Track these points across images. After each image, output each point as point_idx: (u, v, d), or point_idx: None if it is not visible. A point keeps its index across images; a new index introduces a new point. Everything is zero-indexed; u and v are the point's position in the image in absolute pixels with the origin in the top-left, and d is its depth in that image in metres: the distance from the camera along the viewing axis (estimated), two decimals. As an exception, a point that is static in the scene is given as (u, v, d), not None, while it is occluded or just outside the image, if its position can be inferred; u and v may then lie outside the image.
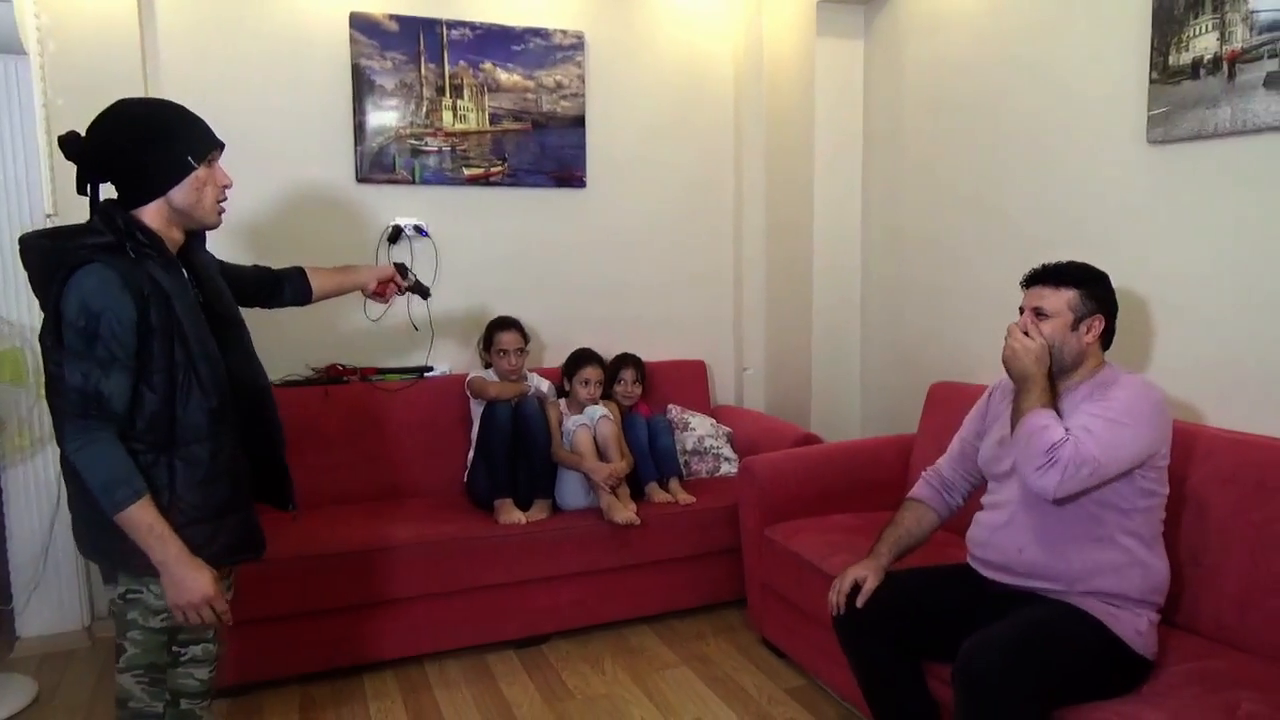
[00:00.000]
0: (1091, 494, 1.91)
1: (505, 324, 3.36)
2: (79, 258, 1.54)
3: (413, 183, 3.50)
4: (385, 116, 3.43)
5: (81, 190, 1.67)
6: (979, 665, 1.78)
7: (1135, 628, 1.88)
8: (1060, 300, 2.01)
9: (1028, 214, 2.86)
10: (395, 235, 3.46)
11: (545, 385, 3.42)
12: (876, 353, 3.69)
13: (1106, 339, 2.06)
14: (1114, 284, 2.53)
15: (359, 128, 3.40)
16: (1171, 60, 2.33)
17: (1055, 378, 2.03)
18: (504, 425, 3.11)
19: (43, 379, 1.57)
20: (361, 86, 3.38)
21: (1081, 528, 1.93)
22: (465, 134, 3.56)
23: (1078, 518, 1.93)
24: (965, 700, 1.79)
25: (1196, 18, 2.26)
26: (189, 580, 1.61)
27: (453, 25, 3.49)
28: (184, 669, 1.76)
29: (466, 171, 3.57)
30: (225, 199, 1.78)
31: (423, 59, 3.46)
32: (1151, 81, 2.39)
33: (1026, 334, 2.01)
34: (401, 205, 3.50)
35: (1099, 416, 1.88)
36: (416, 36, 3.44)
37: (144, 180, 1.66)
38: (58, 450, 1.60)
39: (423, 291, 2.68)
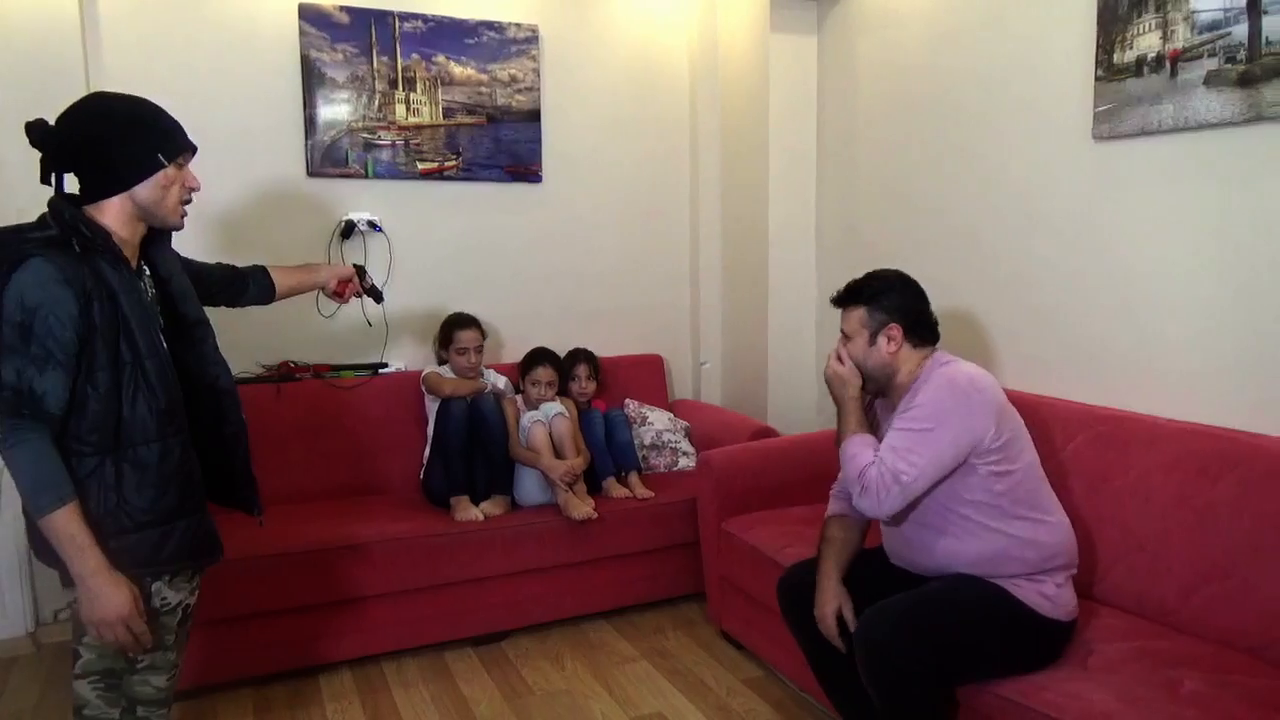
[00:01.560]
0: (938, 496, 1.95)
1: (464, 321, 3.33)
2: (21, 253, 1.50)
3: (365, 177, 3.46)
4: (337, 110, 3.38)
5: (45, 180, 1.64)
6: (876, 634, 1.83)
7: (1040, 593, 1.92)
8: (854, 320, 2.09)
9: (977, 209, 2.91)
10: (348, 230, 3.42)
11: (502, 381, 3.40)
12: (831, 346, 3.70)
13: (921, 337, 2.06)
14: (1062, 278, 2.59)
15: (310, 121, 3.34)
16: (1116, 58, 2.38)
17: (883, 392, 2.11)
18: (460, 422, 3.09)
19: None
20: (312, 79, 3.33)
21: (949, 528, 1.97)
22: (419, 128, 3.52)
23: (940, 520, 1.98)
24: (865, 668, 1.85)
25: (1140, 17, 2.31)
26: (104, 596, 1.53)
27: (405, 17, 3.45)
28: (140, 676, 1.70)
29: (420, 166, 3.54)
30: (190, 201, 1.75)
31: (374, 51, 3.41)
32: (1097, 79, 2.44)
33: (841, 359, 2.08)
34: (354, 200, 3.45)
35: (902, 429, 1.93)
36: (368, 28, 3.40)
37: (110, 172, 1.62)
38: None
39: (377, 296, 2.66)
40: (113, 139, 1.62)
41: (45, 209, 1.61)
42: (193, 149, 1.75)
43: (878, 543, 2.32)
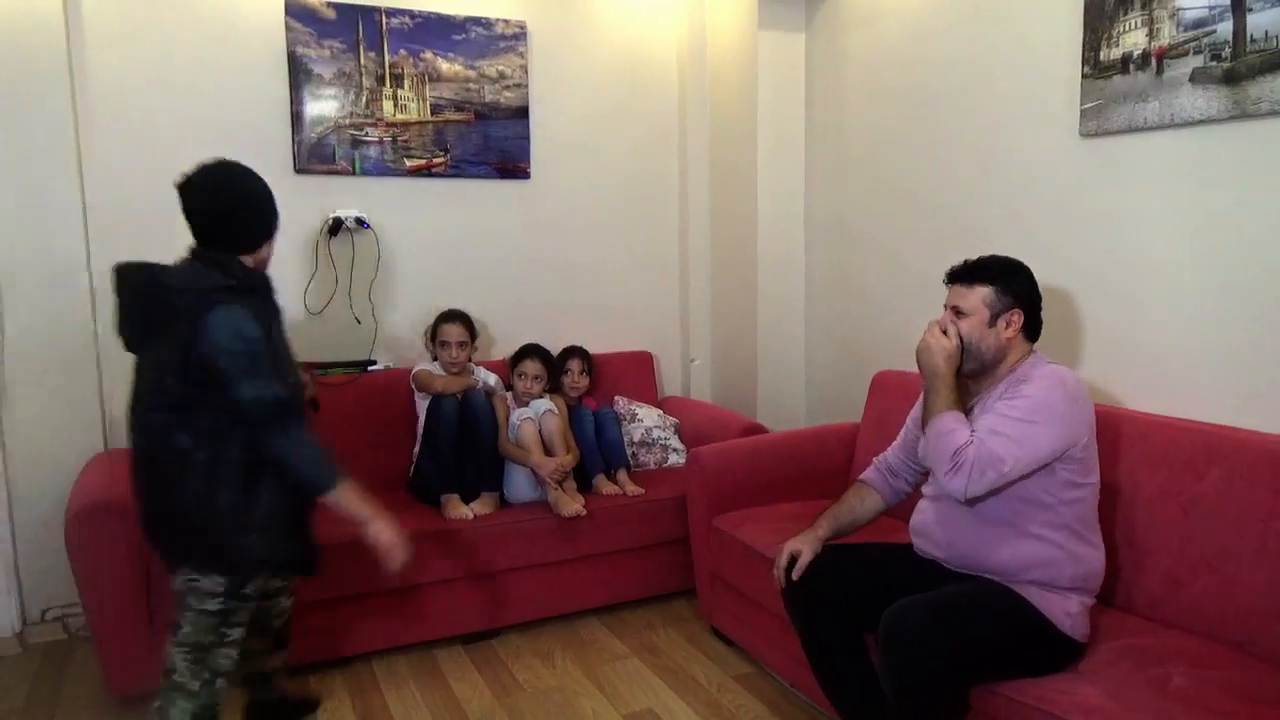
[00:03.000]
0: (1013, 491, 1.94)
1: (449, 317, 3.33)
2: (213, 299, 1.83)
3: (353, 174, 3.44)
4: (324, 106, 3.36)
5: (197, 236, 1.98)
6: (902, 630, 1.83)
7: (1065, 609, 1.92)
8: (975, 297, 2.03)
9: (965, 205, 2.92)
10: (336, 227, 3.40)
11: (493, 379, 3.40)
12: (821, 342, 3.74)
13: (1033, 331, 2.07)
14: (1049, 274, 2.60)
15: (296, 117, 3.33)
16: (1103, 55, 2.39)
17: (979, 374, 2.07)
18: (450, 419, 3.08)
19: None
20: (298, 75, 3.31)
21: (1008, 523, 1.97)
22: (406, 124, 3.50)
23: (1004, 514, 1.97)
24: (888, 663, 1.85)
25: (1126, 14, 2.33)
26: (393, 529, 2.04)
27: (392, 13, 3.43)
28: (224, 650, 1.95)
29: (408, 162, 3.52)
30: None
31: (362, 47, 3.40)
32: (1084, 76, 2.45)
33: (945, 332, 2.04)
34: (342, 197, 3.44)
35: (1007, 416, 1.90)
36: (355, 24, 3.38)
37: (249, 237, 2.01)
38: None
39: (314, 405, 2.45)
40: (261, 211, 2.03)
41: (194, 257, 1.95)
42: None
43: (889, 538, 2.33)
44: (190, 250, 1.97)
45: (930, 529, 2.13)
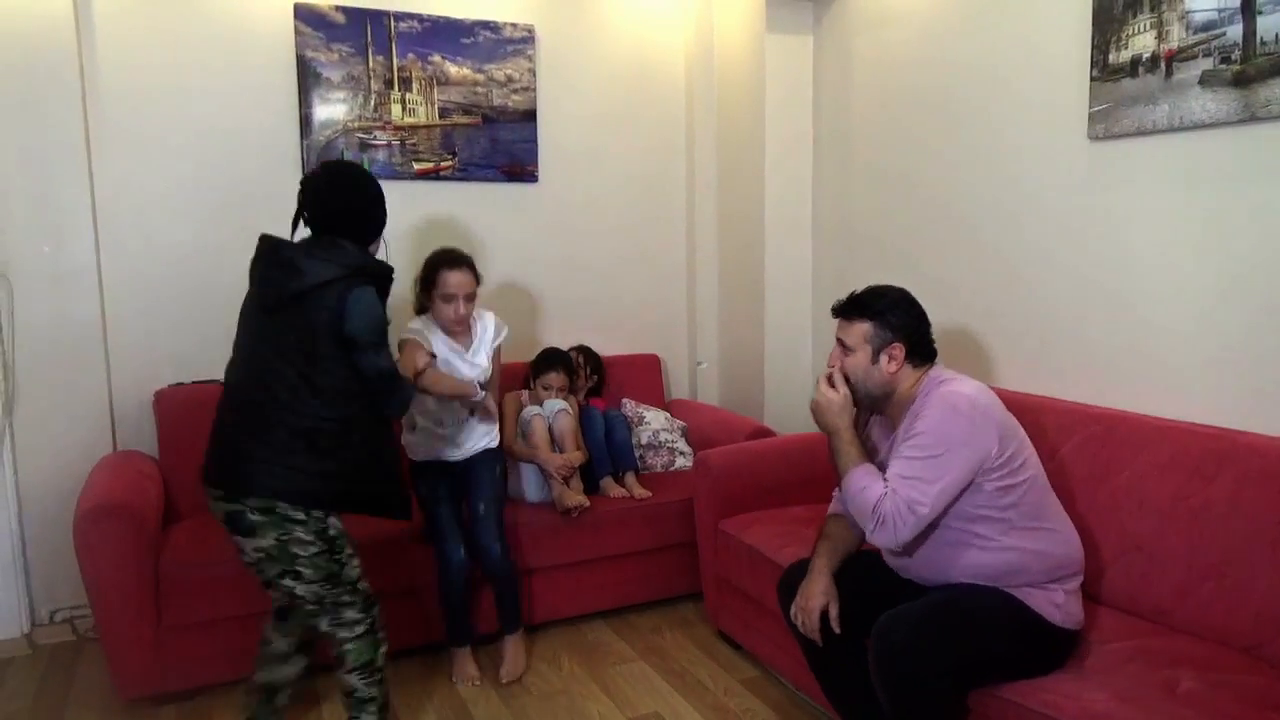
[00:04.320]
0: (952, 513, 1.93)
1: (453, 260, 2.73)
2: (357, 281, 2.07)
3: (361, 177, 3.45)
4: (332, 109, 3.37)
5: (297, 224, 2.20)
6: (892, 640, 1.82)
7: (1051, 601, 1.92)
8: (857, 333, 2.05)
9: (973, 209, 2.91)
10: (344, 230, 3.41)
11: (493, 327, 2.92)
12: (828, 346, 3.70)
13: (922, 356, 2.06)
14: (1057, 276, 2.60)
15: (305, 120, 3.34)
16: (1111, 58, 2.38)
17: (878, 406, 2.08)
18: (458, 569, 2.72)
19: None
20: (307, 79, 3.32)
21: (962, 544, 1.96)
22: (414, 128, 3.51)
23: (953, 537, 1.96)
24: (880, 674, 1.84)
25: (1135, 17, 2.32)
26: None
27: (400, 17, 3.44)
28: (349, 565, 2.15)
29: (416, 166, 3.53)
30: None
31: (370, 51, 3.41)
32: (1092, 79, 2.44)
33: (832, 381, 2.05)
34: (350, 200, 3.44)
35: (911, 458, 1.90)
36: (364, 28, 3.39)
37: (369, 231, 2.24)
38: None
39: None
40: (376, 207, 2.25)
41: (330, 245, 2.13)
42: None
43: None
44: (318, 235, 2.17)
45: (902, 563, 2.13)
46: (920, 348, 2.06)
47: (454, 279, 2.71)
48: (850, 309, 2.09)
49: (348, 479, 2.11)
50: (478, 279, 2.81)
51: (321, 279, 2.04)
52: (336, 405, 2.06)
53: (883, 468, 2.01)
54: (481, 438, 2.89)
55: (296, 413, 2.03)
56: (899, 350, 2.03)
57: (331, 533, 2.12)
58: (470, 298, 2.76)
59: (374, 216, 2.25)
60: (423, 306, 2.84)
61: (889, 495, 1.89)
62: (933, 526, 1.95)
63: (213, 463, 2.09)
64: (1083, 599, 2.02)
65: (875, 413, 2.15)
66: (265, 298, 2.09)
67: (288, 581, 2.08)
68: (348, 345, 2.06)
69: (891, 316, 2.04)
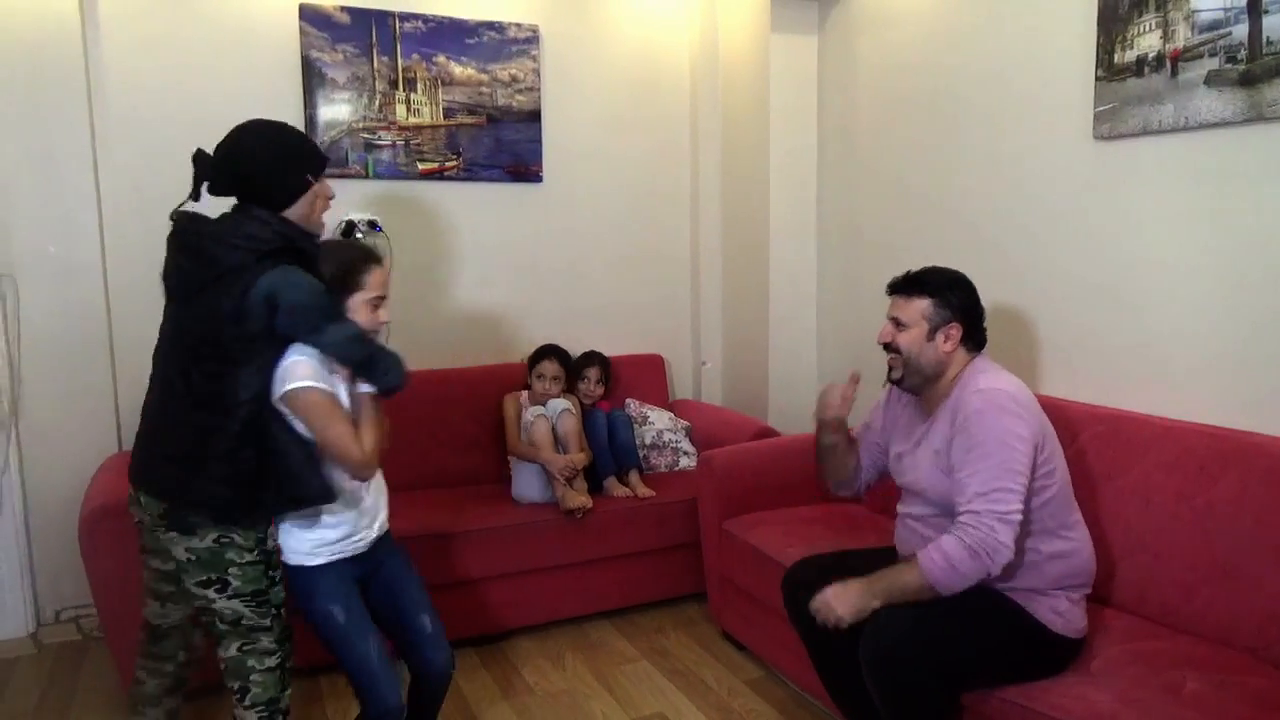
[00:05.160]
0: None
1: (373, 253, 2.49)
2: (274, 262, 1.81)
3: (366, 177, 3.46)
4: (337, 110, 3.38)
5: (195, 196, 1.93)
6: (883, 640, 1.82)
7: (1053, 608, 1.91)
8: (914, 310, 2.03)
9: (978, 209, 2.90)
10: (349, 230, 3.41)
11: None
12: (832, 346, 3.73)
13: (975, 343, 2.05)
14: (1062, 277, 2.60)
15: (310, 121, 3.34)
16: (1117, 58, 2.38)
17: (921, 387, 2.06)
18: None
19: None
20: (312, 79, 3.33)
21: None
22: (419, 128, 3.52)
23: None
24: (872, 676, 1.84)
25: (1140, 16, 2.31)
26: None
27: (405, 18, 3.45)
28: (278, 586, 1.95)
29: (421, 166, 3.54)
30: (328, 208, 2.04)
31: (375, 52, 3.41)
32: (1098, 79, 2.44)
33: (830, 601, 1.92)
34: (355, 200, 3.45)
35: (975, 471, 1.85)
36: (368, 29, 3.40)
37: (272, 196, 1.91)
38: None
39: None
40: (272, 169, 1.90)
41: (243, 219, 1.87)
42: (328, 160, 2.03)
43: (882, 542, 2.32)
44: (234, 207, 1.92)
45: (908, 547, 2.12)
46: (975, 332, 2.05)
47: (382, 277, 2.10)
48: (910, 285, 2.06)
49: (254, 487, 1.86)
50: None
51: (228, 265, 1.79)
52: (221, 414, 1.81)
53: (892, 455, 2.05)
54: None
55: (187, 423, 1.84)
56: (956, 330, 2.01)
57: (269, 544, 1.94)
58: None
59: (282, 171, 1.91)
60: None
61: (966, 529, 1.82)
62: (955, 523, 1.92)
63: (140, 464, 1.93)
64: (1087, 601, 2.01)
65: (914, 393, 2.12)
66: (169, 288, 1.90)
67: (209, 593, 1.86)
68: (271, 338, 1.82)
69: (952, 296, 2.03)
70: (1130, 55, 2.34)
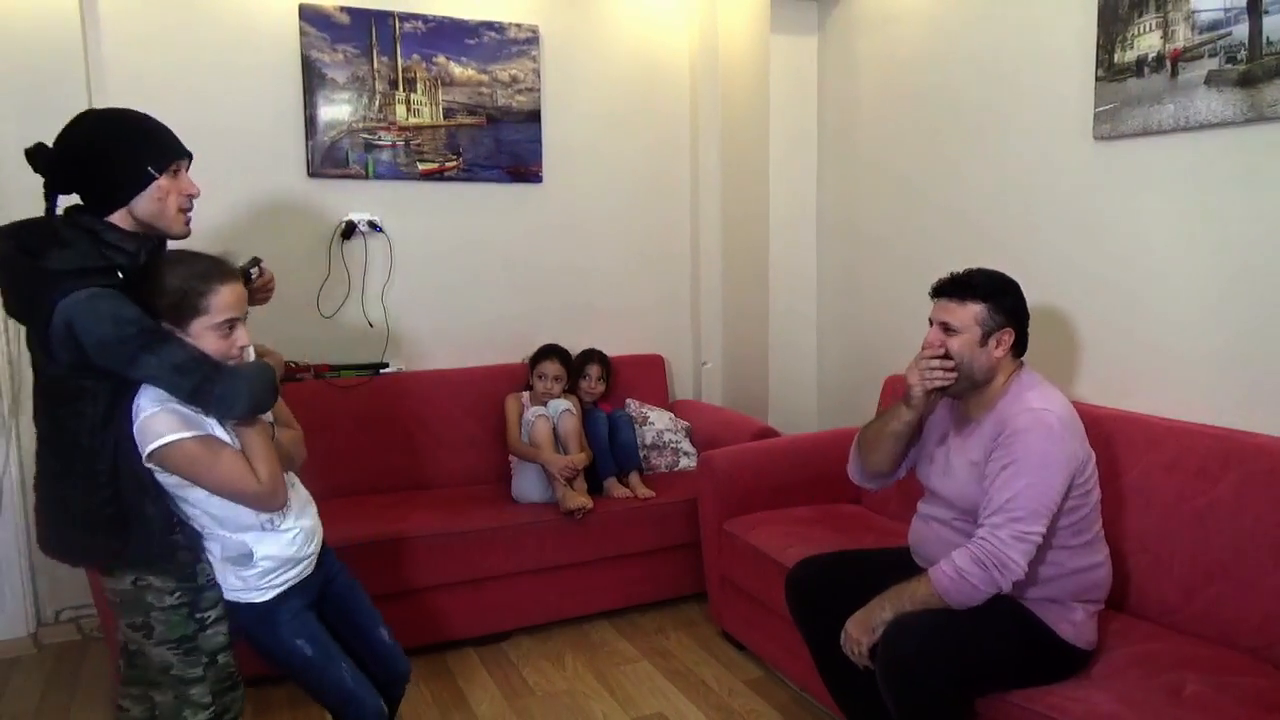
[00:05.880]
0: None
1: (228, 269, 2.35)
2: (67, 284, 1.55)
3: (366, 177, 3.46)
4: (337, 110, 3.38)
5: (48, 201, 1.69)
6: (900, 649, 1.81)
7: (1068, 619, 1.91)
8: (967, 315, 1.98)
9: (978, 208, 2.90)
10: (349, 231, 3.42)
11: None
12: (833, 346, 3.73)
13: (1020, 348, 2.04)
14: (1061, 277, 2.60)
15: (310, 121, 3.34)
16: (1117, 58, 2.38)
17: (968, 392, 2.02)
18: None
19: None
20: (312, 79, 3.33)
21: None
22: (419, 128, 3.52)
23: None
24: (887, 682, 1.83)
25: (1140, 16, 2.31)
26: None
27: (405, 18, 3.45)
28: (212, 629, 1.77)
29: (421, 166, 3.54)
30: (190, 208, 1.76)
31: (375, 52, 3.41)
32: (1098, 79, 2.43)
33: (857, 638, 1.92)
34: (355, 200, 3.45)
35: (1017, 489, 1.83)
36: (368, 29, 3.39)
37: (106, 191, 1.66)
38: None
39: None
40: (101, 158, 1.65)
41: (64, 225, 1.66)
42: (187, 156, 1.76)
43: (880, 543, 2.32)
44: (65, 210, 1.69)
45: (926, 547, 2.12)
46: (1022, 338, 2.03)
47: (232, 296, 1.74)
48: (963, 290, 2.00)
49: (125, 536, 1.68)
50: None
51: (31, 288, 1.57)
52: (78, 460, 1.65)
53: (927, 457, 2.04)
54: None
55: (47, 470, 1.70)
56: (1009, 336, 1.99)
57: (200, 581, 1.75)
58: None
59: (116, 162, 1.65)
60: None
61: (982, 543, 1.81)
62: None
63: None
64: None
65: (959, 398, 2.08)
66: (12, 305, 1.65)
67: (138, 637, 1.72)
68: (96, 370, 1.59)
69: (1005, 300, 1.99)
70: (1130, 55, 2.34)
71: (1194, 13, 2.18)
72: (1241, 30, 2.08)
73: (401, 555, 2.83)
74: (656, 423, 3.63)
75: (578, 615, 3.18)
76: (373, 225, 3.46)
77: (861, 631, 1.92)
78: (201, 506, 1.73)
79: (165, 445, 1.62)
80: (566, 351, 3.44)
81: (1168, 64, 2.25)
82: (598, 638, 3.10)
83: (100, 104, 3.01)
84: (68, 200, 1.70)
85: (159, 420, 1.62)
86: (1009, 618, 1.89)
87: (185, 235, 1.77)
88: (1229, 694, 1.73)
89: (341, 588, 2.01)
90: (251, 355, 1.80)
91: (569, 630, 3.14)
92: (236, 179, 3.27)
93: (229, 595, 1.79)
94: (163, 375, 1.60)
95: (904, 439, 2.17)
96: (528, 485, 3.16)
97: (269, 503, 1.75)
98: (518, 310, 3.76)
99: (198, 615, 1.74)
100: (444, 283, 3.63)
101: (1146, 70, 2.30)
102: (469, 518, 2.99)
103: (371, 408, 3.34)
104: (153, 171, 1.67)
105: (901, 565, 2.17)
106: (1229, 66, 2.12)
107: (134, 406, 1.65)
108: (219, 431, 1.71)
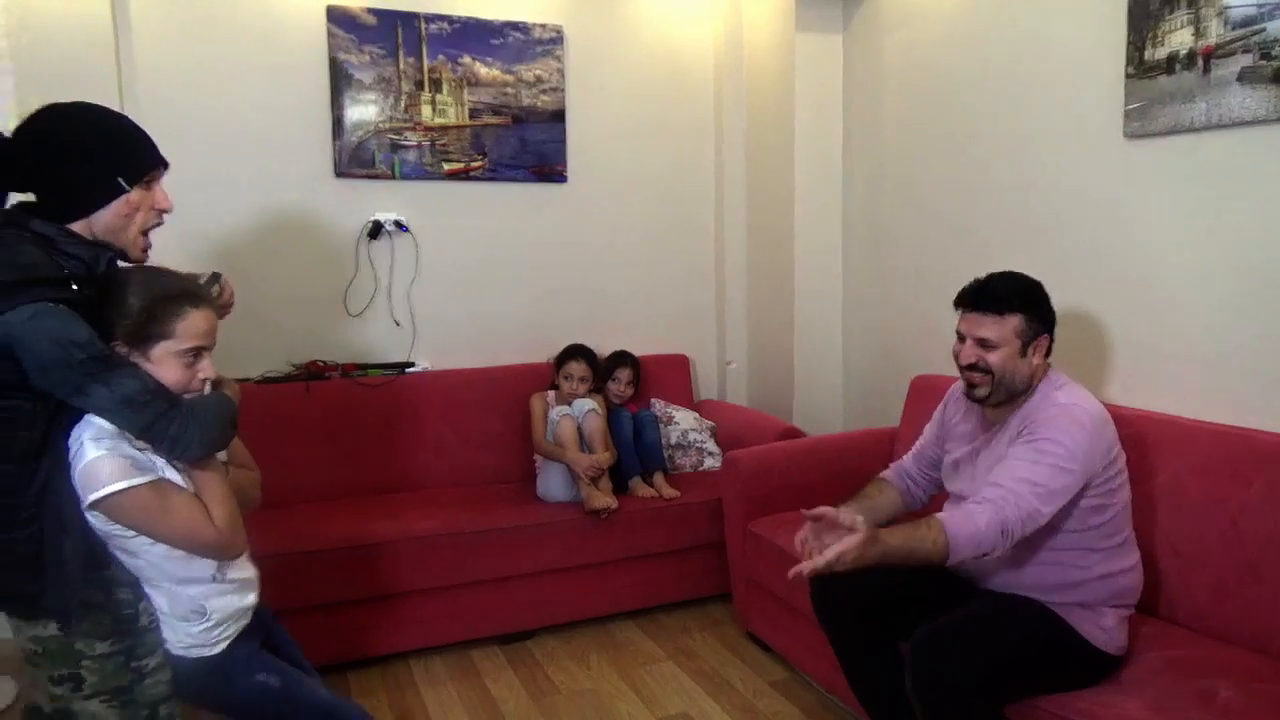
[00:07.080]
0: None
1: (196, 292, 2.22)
2: (18, 301, 1.37)
3: (392, 177, 3.48)
4: (364, 111, 3.40)
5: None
6: (931, 655, 1.80)
7: (1098, 624, 1.89)
8: (1006, 329, 1.94)
9: (1006, 209, 2.88)
10: (375, 230, 3.44)
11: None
12: (858, 346, 3.71)
13: (1050, 350, 2.02)
14: (1092, 278, 2.57)
15: (337, 122, 3.37)
16: (1147, 55, 2.35)
17: (1004, 404, 2.00)
18: None
19: None
20: (339, 80, 3.35)
21: (1034, 548, 1.93)
22: (445, 128, 3.54)
23: (1031, 544, 1.92)
24: (917, 686, 1.82)
25: (1171, 13, 2.28)
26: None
27: (431, 19, 3.46)
28: (152, 678, 1.59)
29: (446, 166, 3.55)
30: (159, 224, 1.62)
31: (401, 53, 3.43)
32: (1128, 76, 2.40)
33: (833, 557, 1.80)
34: (381, 200, 3.48)
35: (1037, 462, 1.81)
36: (394, 30, 3.42)
37: (67, 197, 1.49)
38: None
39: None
40: (65, 161, 1.48)
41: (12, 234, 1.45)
42: (163, 165, 1.60)
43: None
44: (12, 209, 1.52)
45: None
46: (1052, 343, 2.01)
47: (204, 322, 1.60)
48: (998, 303, 1.95)
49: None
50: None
51: None
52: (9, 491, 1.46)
53: (947, 461, 2.04)
54: None
55: None
56: (1045, 341, 1.97)
57: (143, 621, 1.58)
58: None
59: (83, 168, 1.49)
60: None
61: (1004, 504, 1.77)
62: None
63: None
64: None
65: (993, 408, 2.05)
66: None
67: (63, 691, 1.52)
68: (29, 392, 1.41)
69: (1041, 308, 1.98)
70: (1161, 52, 2.31)
71: (1226, 9, 2.15)
72: (1276, 26, 2.05)
73: (426, 553, 2.85)
74: (681, 422, 3.63)
75: (602, 615, 3.19)
76: (399, 225, 3.48)
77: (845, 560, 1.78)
78: (145, 557, 1.53)
79: (113, 494, 1.43)
80: (593, 352, 3.45)
81: (1199, 61, 2.22)
82: (622, 637, 3.10)
83: (130, 107, 3.06)
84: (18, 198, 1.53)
85: (104, 465, 1.43)
86: (1039, 623, 1.88)
87: (141, 261, 1.60)
88: (1261, 700, 1.70)
89: (279, 636, 1.83)
90: (208, 389, 1.60)
91: (594, 629, 3.15)
92: (264, 179, 3.30)
93: (176, 651, 1.61)
94: (112, 408, 1.43)
95: (884, 515, 2.16)
96: (553, 484, 3.17)
97: (227, 551, 1.58)
98: (543, 309, 3.77)
99: (133, 664, 1.56)
100: (469, 282, 3.65)
101: (1178, 67, 2.27)
102: (494, 517, 3.01)
103: (397, 406, 3.37)
104: (123, 184, 1.51)
105: (927, 567, 2.16)
106: (1263, 63, 2.08)
107: (74, 440, 1.47)
108: (170, 473, 1.52)
